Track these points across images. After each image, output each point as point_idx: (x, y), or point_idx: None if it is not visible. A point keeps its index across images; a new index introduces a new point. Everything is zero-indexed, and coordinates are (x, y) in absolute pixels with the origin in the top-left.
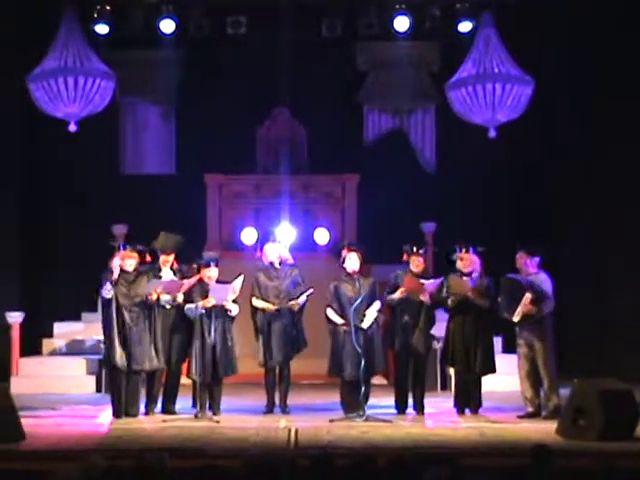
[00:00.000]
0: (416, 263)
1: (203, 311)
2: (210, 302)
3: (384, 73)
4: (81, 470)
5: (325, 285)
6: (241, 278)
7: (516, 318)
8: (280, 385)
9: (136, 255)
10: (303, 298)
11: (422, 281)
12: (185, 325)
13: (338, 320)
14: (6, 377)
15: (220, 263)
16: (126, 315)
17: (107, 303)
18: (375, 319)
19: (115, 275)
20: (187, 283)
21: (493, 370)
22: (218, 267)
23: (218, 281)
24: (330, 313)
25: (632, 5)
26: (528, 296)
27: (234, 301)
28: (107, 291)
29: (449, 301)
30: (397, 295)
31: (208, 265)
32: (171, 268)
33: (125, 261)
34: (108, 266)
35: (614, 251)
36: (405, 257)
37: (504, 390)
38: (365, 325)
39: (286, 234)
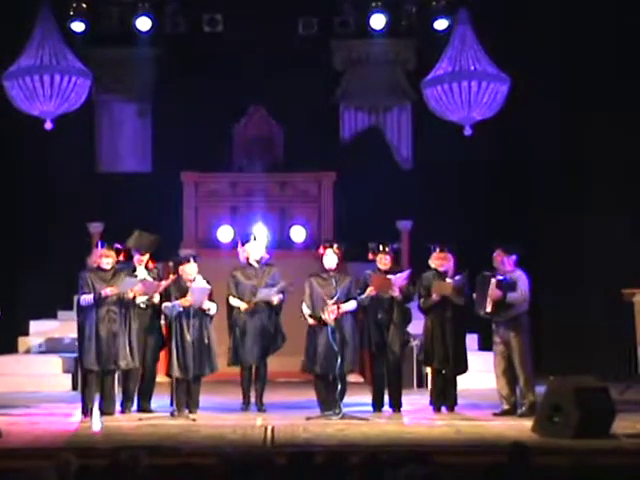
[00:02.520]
0: (383, 261)
1: (181, 309)
2: (188, 301)
3: (360, 71)
4: (55, 468)
5: (301, 283)
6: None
7: (488, 308)
8: (256, 383)
9: (113, 253)
10: (280, 295)
11: (389, 277)
12: (160, 324)
13: (308, 318)
14: None
15: (197, 260)
16: (104, 313)
17: (84, 307)
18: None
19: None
20: (164, 283)
21: (466, 369)
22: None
23: (195, 280)
24: (304, 309)
25: (602, 1)
26: (493, 281)
27: (212, 300)
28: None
29: (422, 301)
30: (367, 294)
31: (187, 261)
32: (146, 267)
33: (102, 259)
34: (86, 264)
35: (589, 248)
36: (371, 255)
37: (480, 388)
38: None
39: (262, 232)
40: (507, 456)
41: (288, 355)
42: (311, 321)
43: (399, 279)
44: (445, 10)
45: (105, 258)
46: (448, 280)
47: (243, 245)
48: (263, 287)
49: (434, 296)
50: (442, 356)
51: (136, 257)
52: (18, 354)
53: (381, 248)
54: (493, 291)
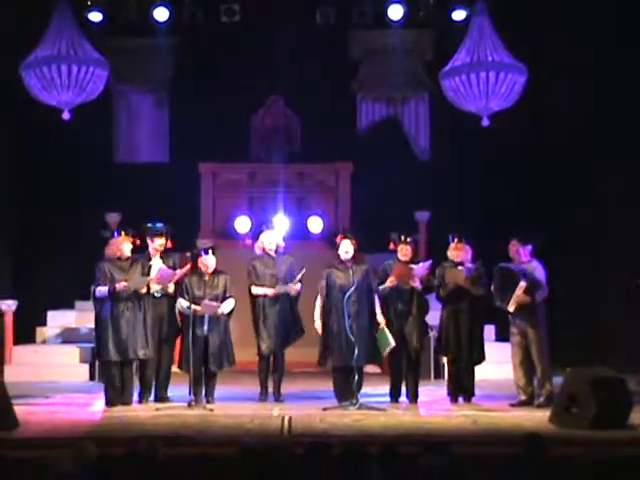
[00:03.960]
0: (404, 251)
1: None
2: (201, 311)
3: (378, 61)
4: (73, 457)
5: (318, 273)
6: (232, 301)
7: (511, 308)
8: (274, 373)
9: (131, 239)
10: (298, 285)
11: (412, 266)
12: (175, 313)
13: (317, 313)
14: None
15: (215, 252)
16: (120, 304)
17: (100, 298)
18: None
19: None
20: (179, 273)
21: (483, 358)
22: (215, 256)
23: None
24: (317, 303)
25: None
26: (522, 285)
27: (230, 296)
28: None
29: (441, 291)
30: (388, 284)
31: (205, 253)
32: (161, 256)
33: (123, 245)
34: (104, 255)
35: (607, 240)
36: (392, 246)
37: (497, 378)
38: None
39: (281, 223)
40: (523, 447)
41: (305, 346)
42: (317, 315)
43: (421, 269)
44: (463, 1)
45: (125, 244)
46: (460, 268)
47: (257, 238)
48: (281, 283)
49: (450, 284)
50: (456, 347)
51: (151, 247)
52: (36, 344)
53: (402, 238)
54: (521, 297)
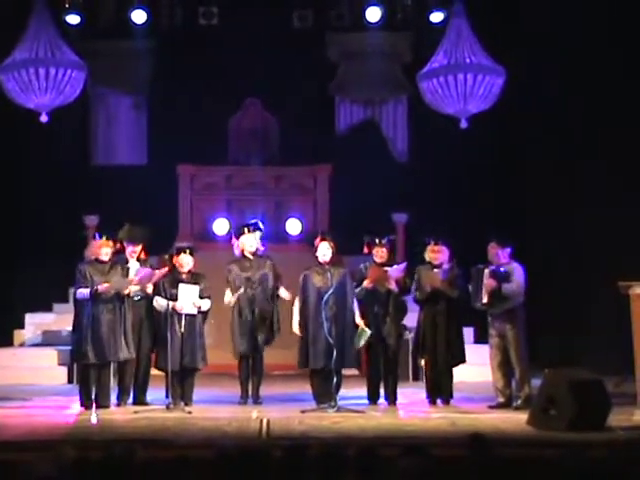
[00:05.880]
0: (379, 254)
1: (171, 310)
2: (179, 308)
3: (356, 64)
4: (51, 461)
5: (296, 275)
6: (208, 302)
7: (484, 299)
8: (253, 376)
9: (111, 244)
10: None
11: (386, 269)
12: (154, 316)
13: (295, 315)
14: None
15: (193, 253)
16: (100, 306)
17: (80, 300)
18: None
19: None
20: (158, 273)
21: (463, 360)
22: (193, 256)
23: (190, 272)
24: (295, 307)
25: None
26: (486, 271)
27: (206, 297)
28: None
29: (417, 294)
30: (364, 286)
31: (182, 252)
32: (138, 259)
33: (102, 249)
34: (83, 257)
35: (586, 241)
36: (366, 249)
37: (475, 380)
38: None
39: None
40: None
41: (283, 348)
42: (296, 318)
43: (395, 271)
44: (440, 3)
45: (105, 248)
46: (435, 270)
47: (237, 238)
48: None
49: (427, 287)
50: (433, 349)
51: (128, 250)
52: (14, 347)
53: (377, 241)
54: (487, 281)
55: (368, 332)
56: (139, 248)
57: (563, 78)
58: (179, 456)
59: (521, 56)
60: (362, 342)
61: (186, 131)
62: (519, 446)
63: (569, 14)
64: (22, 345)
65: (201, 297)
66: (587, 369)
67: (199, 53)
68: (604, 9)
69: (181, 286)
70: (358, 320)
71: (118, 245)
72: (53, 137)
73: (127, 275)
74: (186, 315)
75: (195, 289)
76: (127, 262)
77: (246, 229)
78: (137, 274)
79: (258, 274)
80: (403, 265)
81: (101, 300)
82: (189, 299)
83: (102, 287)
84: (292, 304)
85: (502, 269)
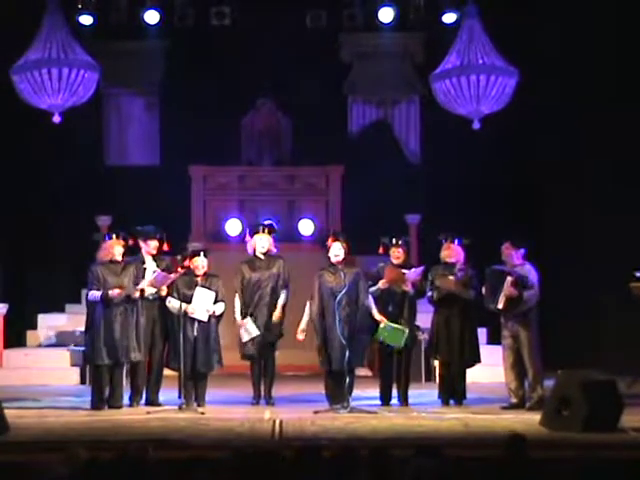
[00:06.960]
0: (396, 254)
1: (183, 313)
2: (192, 313)
3: (368, 64)
4: (64, 461)
5: (309, 276)
6: (223, 305)
7: (500, 305)
8: (264, 377)
9: (123, 242)
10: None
11: (403, 271)
12: (167, 317)
13: (305, 316)
14: None
15: (207, 255)
16: (113, 307)
17: (94, 301)
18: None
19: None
20: (173, 276)
21: (478, 360)
22: (207, 258)
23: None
24: (306, 309)
25: None
26: (509, 279)
27: (220, 300)
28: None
29: (433, 295)
30: (379, 286)
31: (197, 254)
32: (154, 259)
33: (115, 249)
34: (95, 258)
35: (599, 243)
36: (382, 249)
37: (488, 381)
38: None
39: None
40: (504, 449)
41: (296, 349)
42: (305, 320)
43: (413, 274)
44: (453, 4)
45: (117, 247)
46: (450, 278)
47: (252, 236)
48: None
49: (441, 289)
50: (447, 349)
51: (144, 249)
52: (26, 348)
53: (394, 242)
54: (509, 289)
55: (406, 331)
56: (157, 243)
57: (576, 79)
58: (192, 456)
59: (534, 57)
60: (402, 341)
61: (199, 131)
62: (532, 447)
63: (581, 15)
64: (35, 346)
65: (215, 301)
66: (600, 370)
67: (211, 53)
68: (616, 10)
69: (197, 290)
70: (378, 316)
71: (131, 242)
72: (66, 138)
73: (143, 276)
74: (198, 320)
75: (211, 295)
76: (143, 262)
77: (261, 228)
78: (153, 278)
79: (267, 274)
80: (420, 269)
81: (113, 302)
82: (203, 304)
83: (113, 292)
84: (304, 305)
85: (522, 274)
